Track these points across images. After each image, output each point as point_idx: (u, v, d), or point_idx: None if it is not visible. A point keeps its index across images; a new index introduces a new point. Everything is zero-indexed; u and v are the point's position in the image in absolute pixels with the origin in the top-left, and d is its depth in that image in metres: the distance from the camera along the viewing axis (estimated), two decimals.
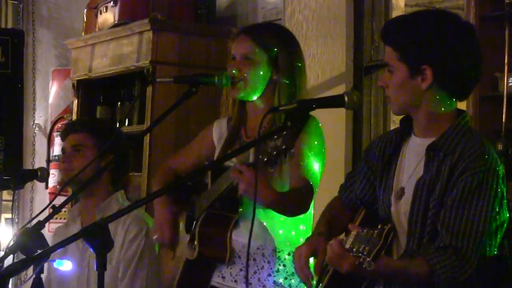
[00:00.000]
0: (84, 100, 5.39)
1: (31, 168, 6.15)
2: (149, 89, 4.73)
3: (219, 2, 5.23)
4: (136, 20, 4.89)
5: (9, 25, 6.79)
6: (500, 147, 3.66)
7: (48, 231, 5.51)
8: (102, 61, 5.15)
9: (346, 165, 4.41)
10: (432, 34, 2.55)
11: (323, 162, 3.16)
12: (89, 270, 3.50)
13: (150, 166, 4.69)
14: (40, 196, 6.48)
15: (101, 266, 2.22)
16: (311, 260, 2.75)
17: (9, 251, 2.79)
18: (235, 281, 3.18)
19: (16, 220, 6.58)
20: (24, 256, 2.66)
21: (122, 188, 3.63)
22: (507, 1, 3.70)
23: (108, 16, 5.14)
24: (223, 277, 3.20)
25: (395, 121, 4.23)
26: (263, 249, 3.17)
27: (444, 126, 2.59)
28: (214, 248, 3.18)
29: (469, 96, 2.77)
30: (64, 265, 3.33)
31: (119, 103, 5.26)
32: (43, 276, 2.73)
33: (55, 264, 3.35)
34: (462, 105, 3.24)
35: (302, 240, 3.10)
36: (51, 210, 2.97)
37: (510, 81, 3.73)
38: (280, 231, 3.19)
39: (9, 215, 6.57)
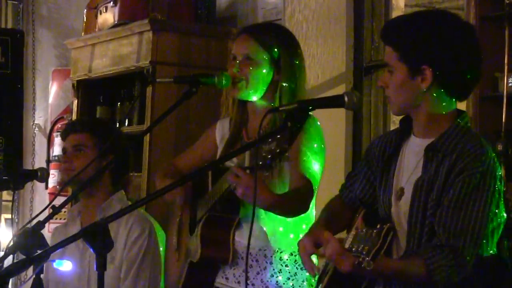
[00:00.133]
0: (84, 100, 5.39)
1: (31, 168, 6.15)
2: (149, 89, 4.73)
3: (219, 2, 5.23)
4: (136, 20, 4.89)
5: (9, 25, 6.79)
6: (500, 147, 3.66)
7: (48, 231, 5.50)
8: (102, 61, 5.15)
9: (346, 165, 4.41)
10: (432, 35, 2.55)
11: (322, 162, 3.16)
12: (89, 270, 3.50)
13: (150, 166, 4.69)
14: (40, 196, 6.48)
15: (101, 266, 2.21)
16: (314, 258, 2.75)
17: (9, 251, 2.79)
18: (238, 282, 3.18)
19: (16, 220, 6.58)
20: (24, 256, 2.66)
21: (122, 188, 3.63)
22: (507, 1, 3.70)
23: (108, 16, 5.14)
24: (227, 278, 3.21)
25: (395, 121, 4.23)
26: (265, 250, 3.17)
27: (443, 127, 2.59)
28: (216, 250, 3.18)
29: (469, 96, 2.77)
30: (64, 265, 3.33)
31: (119, 103, 5.26)
32: (42, 276, 2.73)
33: (55, 264, 3.35)
34: (462, 105, 3.24)
35: None
36: (51, 210, 2.97)
37: (510, 81, 3.74)
38: (282, 232, 3.18)
39: (9, 216, 6.56)
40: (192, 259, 3.22)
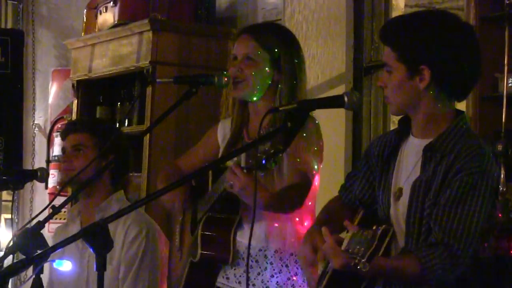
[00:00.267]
0: (84, 100, 5.40)
1: (31, 168, 6.16)
2: (149, 89, 4.73)
3: (219, 3, 5.23)
4: (136, 20, 4.89)
5: (9, 25, 6.80)
6: (500, 147, 3.66)
7: (48, 231, 5.51)
8: (102, 61, 5.15)
9: (346, 165, 4.41)
10: (430, 35, 2.55)
11: (320, 161, 3.17)
12: (88, 270, 3.50)
13: (150, 166, 4.69)
14: (40, 196, 6.48)
15: (101, 267, 2.21)
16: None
17: (9, 251, 2.79)
18: (239, 282, 3.18)
19: (16, 220, 6.58)
20: (24, 256, 2.66)
21: (122, 188, 3.63)
22: (507, 2, 3.70)
23: (108, 17, 5.14)
24: (227, 278, 3.21)
25: (394, 122, 4.23)
26: (265, 251, 3.17)
27: (442, 127, 2.59)
28: (217, 250, 3.18)
29: (467, 96, 2.77)
30: (64, 265, 3.33)
31: (119, 103, 5.26)
32: (45, 277, 2.72)
33: (54, 264, 3.34)
34: (462, 106, 3.24)
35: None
36: (51, 210, 2.97)
37: (510, 81, 3.74)
38: (283, 232, 3.19)
39: (9, 216, 6.57)
40: (193, 259, 3.22)
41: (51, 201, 3.16)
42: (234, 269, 3.20)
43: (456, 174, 2.49)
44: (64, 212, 5.03)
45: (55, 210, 2.82)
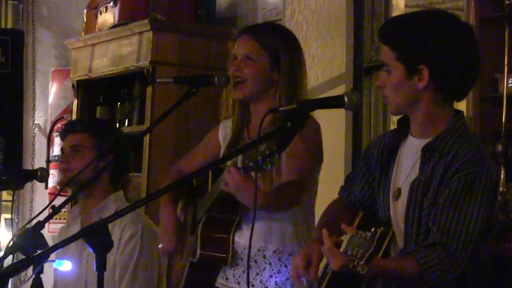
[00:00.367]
0: (84, 100, 5.40)
1: (31, 168, 6.16)
2: (149, 89, 4.73)
3: (219, 3, 5.23)
4: (136, 20, 4.89)
5: (9, 25, 6.80)
6: (500, 148, 3.66)
7: (48, 231, 5.52)
8: (102, 61, 5.15)
9: (346, 165, 4.41)
10: (429, 34, 2.54)
11: (320, 161, 3.17)
12: (87, 270, 3.49)
13: (150, 167, 4.69)
14: (40, 196, 6.48)
15: (101, 267, 2.21)
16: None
17: (9, 251, 2.79)
18: (238, 282, 3.18)
19: (16, 220, 6.59)
20: (24, 256, 2.66)
21: (122, 188, 3.63)
22: (507, 2, 3.71)
23: (108, 17, 5.14)
24: (227, 278, 3.21)
25: (394, 122, 4.22)
26: (264, 251, 3.17)
27: (441, 127, 2.59)
28: (216, 250, 3.18)
29: (466, 96, 2.77)
30: (64, 265, 3.33)
31: (119, 103, 5.26)
32: (48, 278, 2.72)
33: (54, 264, 3.35)
34: (462, 106, 3.25)
35: (303, 241, 3.11)
36: (50, 210, 2.97)
37: (510, 82, 3.74)
38: (282, 232, 3.18)
39: (9, 216, 6.57)
40: (193, 259, 3.22)
41: (51, 201, 3.16)
42: (233, 270, 3.20)
43: (454, 174, 2.49)
44: (64, 212, 5.03)
45: (55, 210, 2.82)
